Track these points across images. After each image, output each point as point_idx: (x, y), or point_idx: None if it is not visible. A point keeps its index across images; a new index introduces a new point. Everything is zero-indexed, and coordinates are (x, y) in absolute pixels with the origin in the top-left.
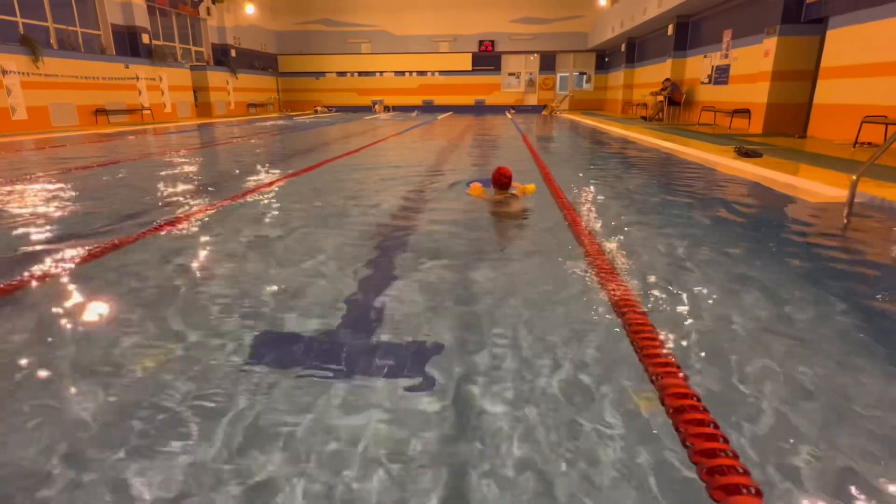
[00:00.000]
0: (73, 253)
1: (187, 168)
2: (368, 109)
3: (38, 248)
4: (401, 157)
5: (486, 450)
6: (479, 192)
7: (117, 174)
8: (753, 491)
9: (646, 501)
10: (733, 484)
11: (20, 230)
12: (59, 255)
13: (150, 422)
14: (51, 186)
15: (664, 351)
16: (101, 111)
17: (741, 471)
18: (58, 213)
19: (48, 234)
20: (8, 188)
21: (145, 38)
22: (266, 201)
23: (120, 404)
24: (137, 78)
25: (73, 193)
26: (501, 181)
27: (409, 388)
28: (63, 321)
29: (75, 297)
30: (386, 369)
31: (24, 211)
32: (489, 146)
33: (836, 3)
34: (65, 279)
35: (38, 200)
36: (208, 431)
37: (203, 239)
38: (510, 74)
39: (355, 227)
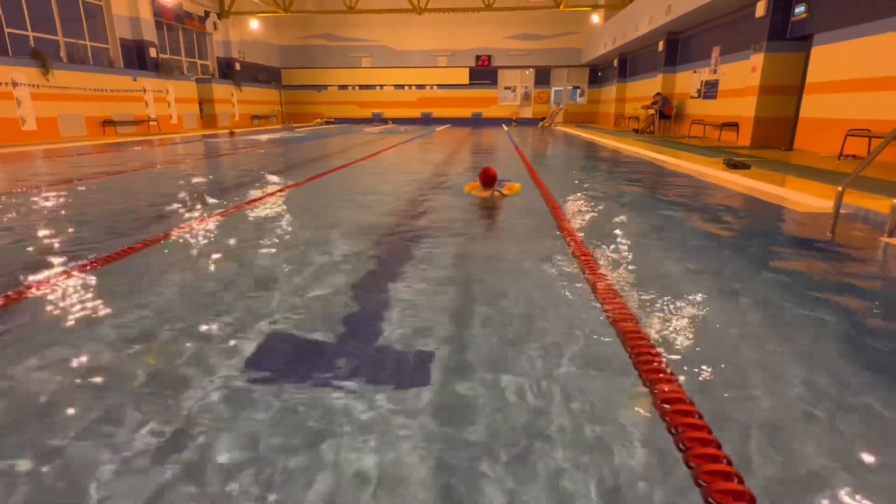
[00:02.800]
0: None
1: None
2: (369, 121)
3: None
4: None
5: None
6: (472, 189)
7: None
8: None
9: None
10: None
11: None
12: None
13: None
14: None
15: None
16: (108, 122)
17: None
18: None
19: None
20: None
21: (153, 52)
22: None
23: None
24: (144, 90)
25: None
26: (487, 179)
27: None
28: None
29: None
30: None
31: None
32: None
33: (821, 21)
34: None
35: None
36: None
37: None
38: (506, 88)
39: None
